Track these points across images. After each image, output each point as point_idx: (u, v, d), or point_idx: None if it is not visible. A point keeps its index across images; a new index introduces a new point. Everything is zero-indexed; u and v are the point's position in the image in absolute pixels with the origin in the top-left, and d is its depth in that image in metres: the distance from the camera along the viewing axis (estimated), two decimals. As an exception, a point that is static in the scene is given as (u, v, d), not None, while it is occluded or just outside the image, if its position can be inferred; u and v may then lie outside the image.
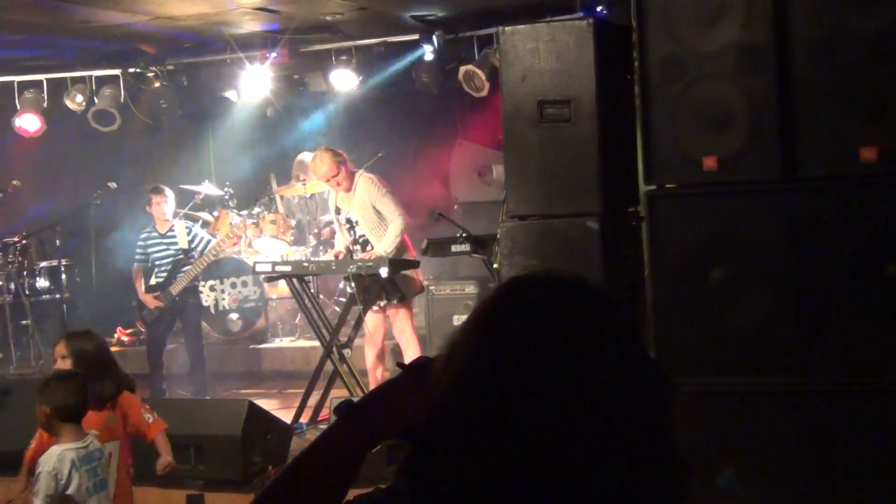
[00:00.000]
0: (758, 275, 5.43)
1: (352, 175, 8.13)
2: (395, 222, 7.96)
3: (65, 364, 5.21)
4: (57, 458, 4.71)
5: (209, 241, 9.36)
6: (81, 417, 4.85)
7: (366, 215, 8.01)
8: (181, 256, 9.28)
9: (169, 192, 9.49)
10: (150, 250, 9.39)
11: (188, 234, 9.39)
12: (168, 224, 9.41)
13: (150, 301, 9.28)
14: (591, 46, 5.79)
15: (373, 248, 8.02)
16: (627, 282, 6.14)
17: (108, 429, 5.22)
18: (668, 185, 5.64)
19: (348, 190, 8.12)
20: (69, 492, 4.68)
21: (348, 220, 8.16)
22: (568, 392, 1.39)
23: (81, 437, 4.81)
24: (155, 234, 9.42)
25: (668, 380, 1.49)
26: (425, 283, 9.00)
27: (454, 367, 1.46)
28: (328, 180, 8.11)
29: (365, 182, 8.08)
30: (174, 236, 9.35)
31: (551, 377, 1.39)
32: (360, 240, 8.10)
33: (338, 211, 8.29)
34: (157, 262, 9.34)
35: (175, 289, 9.21)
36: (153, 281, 9.29)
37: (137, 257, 9.47)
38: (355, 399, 1.75)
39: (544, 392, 1.38)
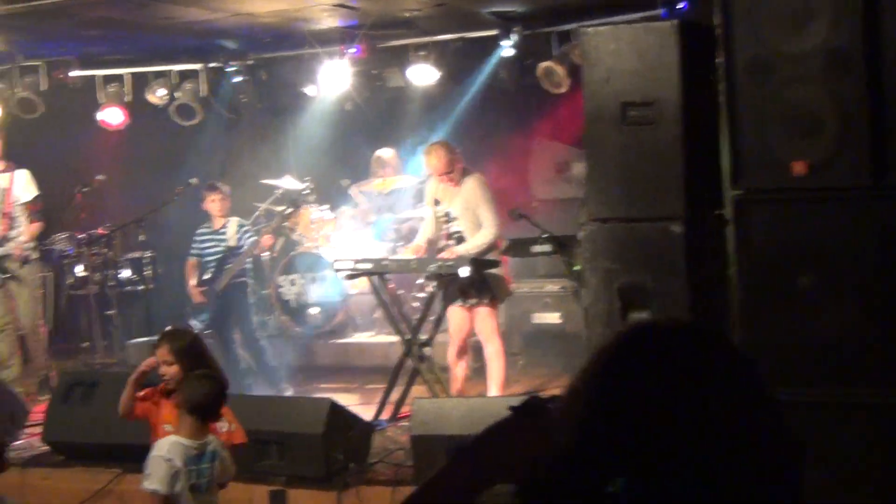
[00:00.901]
0: (845, 282, 5.36)
1: (461, 171, 8.11)
2: (489, 231, 7.92)
3: (170, 370, 5.26)
4: (170, 446, 4.78)
5: (252, 240, 9.44)
6: (208, 419, 4.91)
7: (467, 214, 7.99)
8: (227, 253, 9.39)
9: (224, 189, 9.59)
10: (202, 246, 9.54)
11: (237, 231, 9.48)
12: (223, 221, 9.53)
13: (196, 294, 9.43)
14: (675, 48, 5.75)
15: None
16: (711, 287, 6.10)
17: None
18: (755, 190, 5.59)
19: (456, 184, 8.09)
20: (176, 488, 4.74)
21: (447, 214, 8.12)
22: (693, 450, 1.37)
23: (200, 437, 4.86)
24: (209, 230, 9.56)
25: (801, 443, 1.46)
26: (504, 280, 8.97)
27: (575, 417, 1.45)
28: (439, 175, 8.09)
29: (475, 181, 8.05)
30: (225, 233, 9.47)
31: (676, 433, 1.38)
32: (455, 235, 8.07)
33: (436, 202, 8.24)
34: (206, 258, 9.48)
35: (218, 285, 9.33)
36: (205, 276, 9.44)
37: (191, 251, 9.63)
38: (458, 443, 1.73)
39: (668, 448, 1.37)
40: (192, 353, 5.34)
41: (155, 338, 5.62)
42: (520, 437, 1.65)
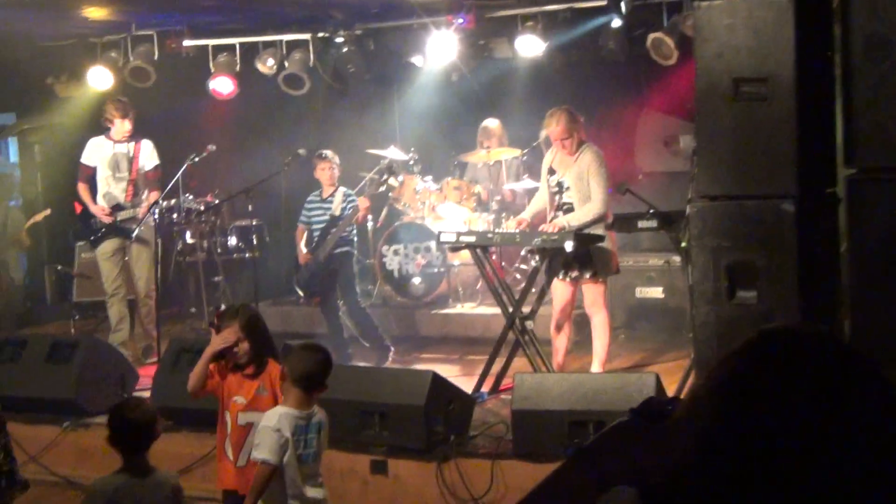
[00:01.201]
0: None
1: (579, 141, 8.05)
2: (597, 205, 7.86)
3: (242, 346, 5.28)
4: (279, 417, 4.85)
5: (353, 208, 9.49)
6: (314, 389, 4.95)
7: (580, 185, 7.94)
8: (330, 222, 9.47)
9: (333, 157, 9.67)
10: (311, 213, 9.67)
11: (344, 200, 9.55)
12: (332, 189, 9.62)
13: (302, 258, 9.56)
14: (791, 23, 5.61)
15: None
16: (821, 267, 5.98)
17: (257, 399, 5.31)
18: (869, 169, 5.46)
19: (571, 154, 8.05)
20: (285, 458, 4.82)
21: (559, 184, 8.08)
22: (818, 463, 1.33)
23: (306, 407, 4.93)
24: (318, 198, 9.67)
25: None
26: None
27: (698, 426, 1.42)
28: (557, 140, 8.05)
29: (591, 153, 7.99)
30: (332, 202, 9.56)
31: (801, 444, 1.34)
32: (564, 206, 8.03)
33: (551, 172, 8.20)
34: (314, 226, 9.60)
35: (321, 253, 9.41)
36: (312, 244, 9.57)
37: (302, 219, 9.78)
38: (577, 442, 1.72)
39: (793, 461, 1.34)
40: (258, 327, 5.42)
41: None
42: (638, 441, 1.64)
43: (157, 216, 9.83)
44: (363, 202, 9.61)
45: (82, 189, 10.08)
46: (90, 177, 10.07)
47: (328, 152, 9.75)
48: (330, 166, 9.61)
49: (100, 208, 9.94)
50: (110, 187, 10.03)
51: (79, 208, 10.21)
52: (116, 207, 9.94)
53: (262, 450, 4.78)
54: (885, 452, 1.33)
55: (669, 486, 1.42)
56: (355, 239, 9.79)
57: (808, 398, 1.35)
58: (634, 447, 1.64)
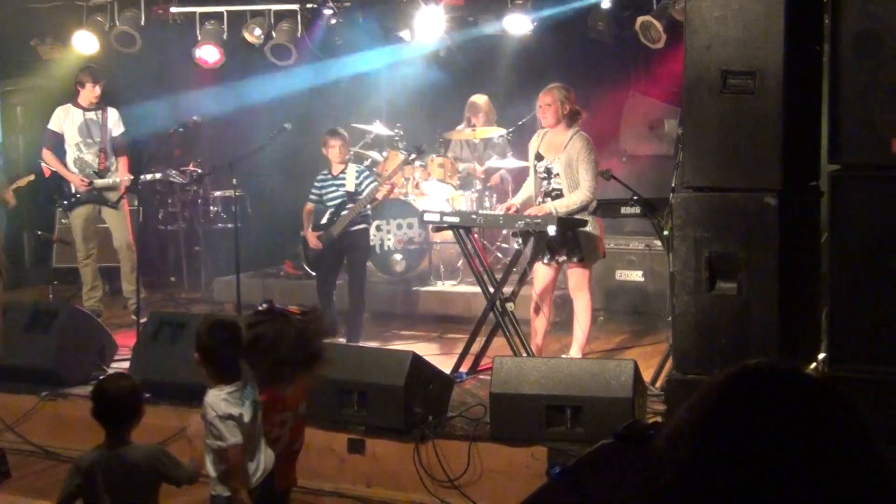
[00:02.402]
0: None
1: (564, 121, 8.02)
2: (583, 193, 7.83)
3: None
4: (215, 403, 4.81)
5: (373, 186, 9.46)
6: (223, 365, 4.73)
7: (569, 172, 7.92)
8: (346, 199, 9.42)
9: (343, 134, 9.61)
10: (323, 192, 9.55)
11: (357, 177, 9.50)
12: (342, 167, 9.55)
13: (312, 240, 9.49)
14: (781, 17, 5.63)
15: None
16: (802, 261, 6.02)
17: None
18: (853, 165, 5.50)
19: (552, 128, 8.03)
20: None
21: (547, 170, 8.06)
22: (796, 498, 1.36)
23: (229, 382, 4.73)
24: (329, 176, 9.57)
25: None
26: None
27: (680, 456, 1.44)
28: (539, 107, 8.03)
29: (580, 140, 7.95)
30: (344, 178, 9.50)
31: (778, 479, 1.36)
32: (553, 193, 8.02)
33: (539, 157, 8.18)
34: (328, 204, 9.49)
35: (335, 230, 9.36)
36: (323, 221, 9.47)
37: (311, 197, 9.64)
38: (560, 462, 1.74)
39: (771, 495, 1.36)
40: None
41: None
42: (620, 464, 1.66)
43: (132, 184, 9.94)
44: (390, 189, 9.63)
45: (48, 155, 10.19)
46: (58, 144, 10.18)
47: (341, 129, 9.69)
48: (343, 143, 9.55)
49: (77, 177, 10.04)
50: (82, 153, 10.16)
51: (47, 172, 10.31)
52: (92, 175, 10.04)
53: (224, 438, 4.69)
54: (862, 485, 1.36)
55: None
56: (370, 214, 9.73)
57: (786, 435, 1.37)
58: (617, 470, 1.66)
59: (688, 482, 1.39)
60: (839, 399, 1.42)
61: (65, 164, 10.10)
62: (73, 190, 10.08)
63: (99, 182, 10.05)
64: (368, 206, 9.51)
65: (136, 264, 10.07)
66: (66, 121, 10.16)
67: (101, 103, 10.23)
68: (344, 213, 9.35)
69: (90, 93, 10.09)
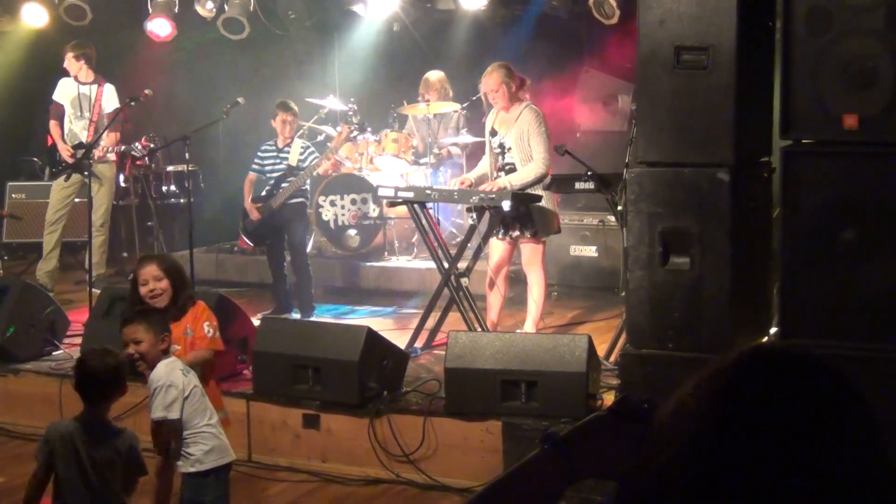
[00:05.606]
0: (890, 239, 5.33)
1: (514, 99, 8.03)
2: (537, 166, 7.85)
3: (159, 284, 5.37)
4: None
5: (315, 160, 9.43)
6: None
7: (521, 145, 7.93)
8: (287, 172, 9.39)
9: (293, 108, 9.56)
10: (265, 162, 9.53)
11: (302, 152, 9.47)
12: (289, 140, 9.51)
13: (252, 210, 9.46)
14: (735, -7, 5.64)
15: None
16: (755, 234, 6.07)
17: (186, 342, 5.40)
18: (804, 141, 5.54)
19: (507, 110, 8.04)
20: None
21: (501, 145, 8.07)
22: (804, 477, 1.37)
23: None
24: (273, 147, 9.54)
25: None
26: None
27: (683, 433, 1.44)
28: (488, 93, 8.06)
29: (530, 113, 7.97)
30: (289, 152, 9.47)
31: (787, 459, 1.37)
32: (507, 168, 8.03)
33: (493, 133, 8.18)
34: (269, 175, 9.48)
35: (275, 202, 9.34)
36: (263, 193, 9.47)
37: (253, 167, 9.61)
38: (552, 432, 1.73)
39: (780, 474, 1.37)
40: (176, 267, 5.57)
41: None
42: (614, 438, 1.67)
43: (115, 154, 10.24)
44: (334, 164, 9.63)
45: (53, 126, 10.43)
46: (59, 114, 10.39)
47: (291, 103, 9.63)
48: (292, 117, 9.50)
49: (64, 147, 10.24)
50: (73, 125, 10.36)
51: (50, 141, 10.68)
52: (79, 146, 10.09)
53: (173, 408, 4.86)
54: (868, 470, 1.38)
55: (652, 487, 1.44)
56: (308, 189, 9.70)
57: (797, 416, 1.38)
58: (610, 443, 1.67)
59: (693, 459, 1.40)
60: (847, 382, 1.43)
61: (63, 136, 10.32)
62: (59, 158, 10.33)
63: (80, 153, 9.97)
64: (307, 181, 9.49)
65: (107, 239, 10.34)
66: (64, 93, 10.37)
67: (100, 79, 10.39)
68: (284, 185, 9.32)
69: (73, 64, 10.26)
